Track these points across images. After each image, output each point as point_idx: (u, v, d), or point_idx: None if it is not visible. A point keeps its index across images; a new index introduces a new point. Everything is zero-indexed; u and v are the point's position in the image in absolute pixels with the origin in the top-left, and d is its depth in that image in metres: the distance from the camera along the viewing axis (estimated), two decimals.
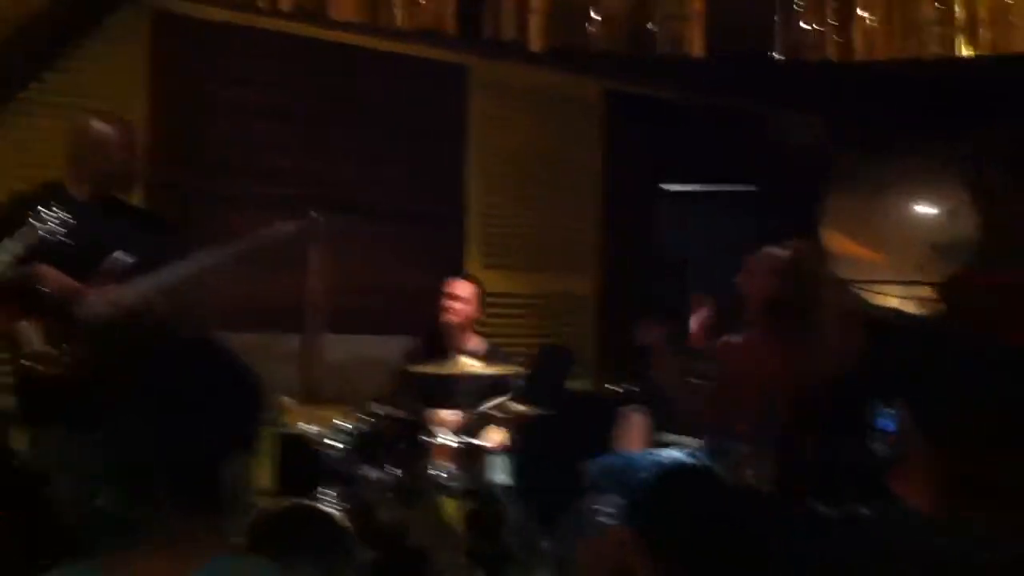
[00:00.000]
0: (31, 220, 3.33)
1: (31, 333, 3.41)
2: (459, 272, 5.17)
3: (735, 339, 3.56)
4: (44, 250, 3.38)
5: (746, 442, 3.42)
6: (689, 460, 3.53)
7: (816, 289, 3.48)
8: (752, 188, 5.30)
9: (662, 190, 5.42)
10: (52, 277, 3.43)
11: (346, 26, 4.87)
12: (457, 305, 4.87)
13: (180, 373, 1.45)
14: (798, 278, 3.46)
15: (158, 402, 1.41)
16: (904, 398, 1.70)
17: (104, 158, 3.64)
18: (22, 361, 3.40)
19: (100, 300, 3.47)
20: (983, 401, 1.64)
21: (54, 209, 3.37)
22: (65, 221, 3.36)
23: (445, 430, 4.38)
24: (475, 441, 4.37)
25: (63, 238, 3.40)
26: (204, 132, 4.98)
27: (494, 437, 4.59)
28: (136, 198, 4.16)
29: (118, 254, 3.53)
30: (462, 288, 4.91)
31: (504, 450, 4.55)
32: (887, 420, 1.67)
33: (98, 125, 3.67)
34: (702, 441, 3.71)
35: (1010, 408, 1.63)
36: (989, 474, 1.64)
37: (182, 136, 4.88)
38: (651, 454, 3.82)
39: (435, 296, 4.99)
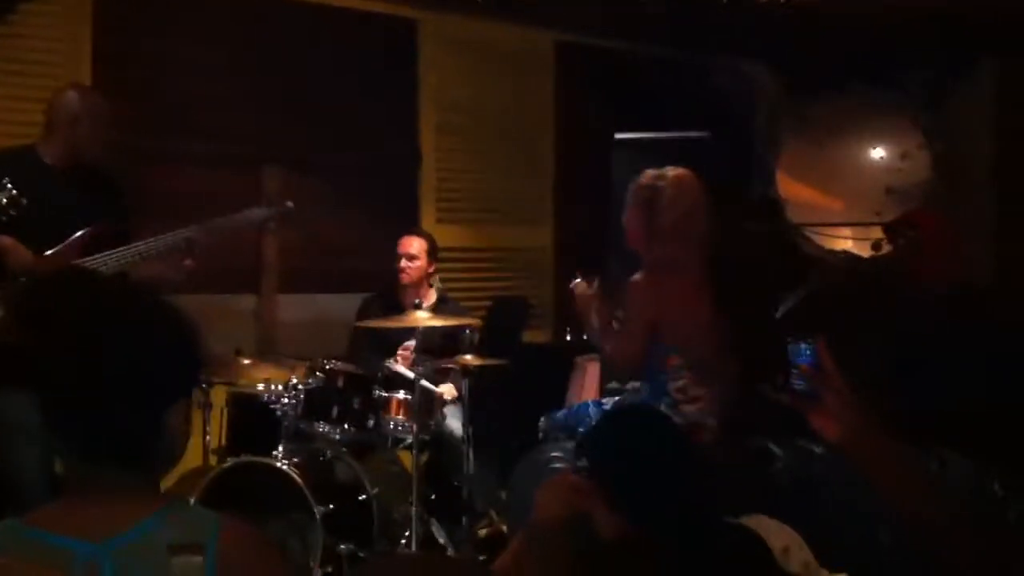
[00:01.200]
0: None
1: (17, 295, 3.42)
2: (411, 228, 5.15)
3: (637, 277, 3.50)
4: (13, 215, 3.38)
5: (673, 379, 3.44)
6: (633, 401, 3.55)
7: (691, 220, 3.45)
8: (704, 134, 5.29)
9: (616, 139, 5.40)
10: (16, 254, 3.45)
11: None
12: (411, 264, 4.85)
13: (114, 325, 1.44)
14: (664, 211, 3.42)
15: (93, 357, 1.40)
16: (825, 334, 1.71)
17: (82, 133, 3.68)
18: None
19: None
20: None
21: (7, 184, 3.36)
22: (14, 192, 3.35)
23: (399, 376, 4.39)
24: (431, 388, 4.38)
25: (32, 203, 3.40)
26: (149, 91, 4.91)
27: (449, 389, 4.60)
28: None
29: (84, 229, 3.56)
30: (414, 245, 4.89)
31: (459, 401, 4.57)
32: (805, 355, 1.67)
33: (81, 99, 3.74)
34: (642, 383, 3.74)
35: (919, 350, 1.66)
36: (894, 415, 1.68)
37: (127, 95, 4.81)
38: (601, 403, 3.84)
39: (389, 252, 4.97)
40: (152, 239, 3.66)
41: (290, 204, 3.99)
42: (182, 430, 1.51)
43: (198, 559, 1.20)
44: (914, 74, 5.89)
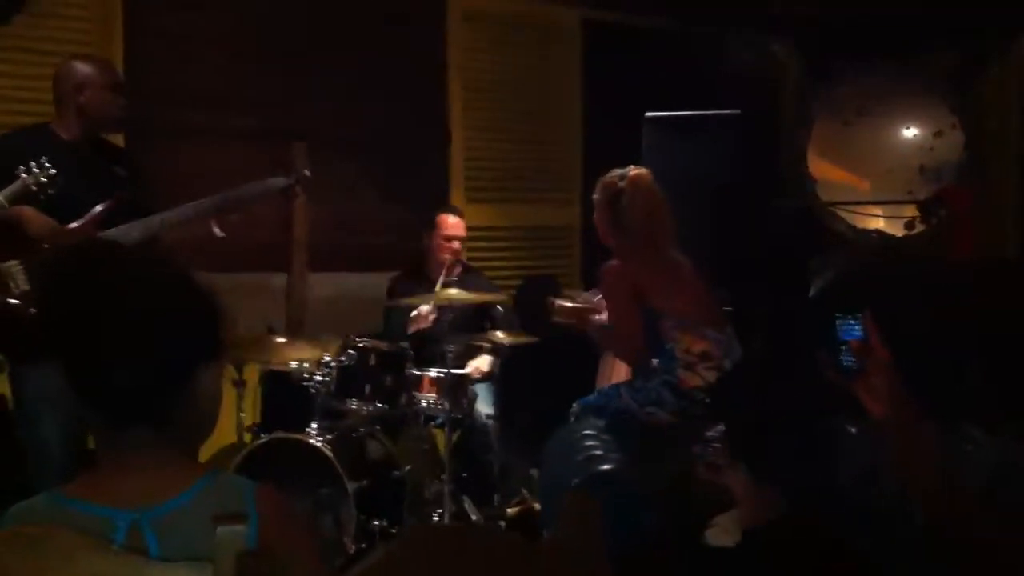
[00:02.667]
0: (18, 171, 3.38)
1: (17, 274, 3.46)
2: (445, 206, 5.14)
3: (609, 263, 3.70)
4: (51, 194, 3.42)
5: (674, 342, 3.52)
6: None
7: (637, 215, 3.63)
8: (734, 112, 5.26)
9: (645, 117, 5.38)
10: (39, 221, 3.48)
11: None
12: (455, 244, 4.84)
13: (133, 290, 1.45)
14: (626, 210, 3.64)
15: (113, 322, 1.41)
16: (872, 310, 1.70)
17: (89, 99, 3.67)
18: (8, 301, 3.44)
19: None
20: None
21: (43, 159, 3.39)
22: (51, 171, 3.39)
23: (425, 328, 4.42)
24: (460, 371, 4.40)
25: (56, 176, 3.43)
26: (179, 66, 4.94)
27: (480, 366, 4.62)
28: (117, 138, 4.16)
29: (104, 201, 3.57)
30: (457, 226, 4.89)
31: (489, 379, 4.59)
32: (853, 330, 1.66)
33: (83, 66, 3.72)
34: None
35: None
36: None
37: (157, 71, 4.84)
38: (632, 385, 3.84)
39: (418, 230, 4.98)
40: (173, 209, 3.67)
41: (307, 172, 3.98)
42: (214, 397, 1.51)
43: (242, 528, 1.22)
44: (944, 53, 5.83)
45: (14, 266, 3.45)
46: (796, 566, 1.76)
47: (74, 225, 3.54)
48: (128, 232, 3.58)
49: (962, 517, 1.55)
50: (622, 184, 3.68)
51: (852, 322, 1.66)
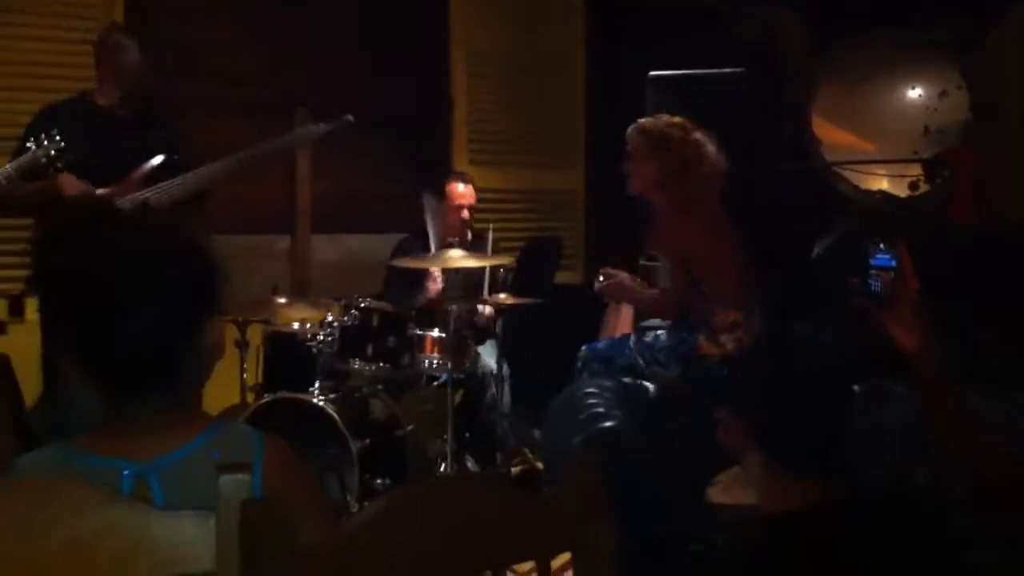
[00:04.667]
0: (28, 144, 3.41)
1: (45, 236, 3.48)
2: (454, 173, 5.12)
3: (662, 224, 3.62)
4: (60, 167, 3.46)
5: (708, 312, 3.49)
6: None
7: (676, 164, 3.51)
8: (738, 71, 5.22)
9: (649, 76, 5.34)
10: (73, 186, 3.52)
11: None
12: (465, 213, 4.83)
13: (131, 251, 1.45)
14: (674, 154, 3.51)
15: (113, 284, 1.42)
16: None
17: (123, 59, 3.75)
18: None
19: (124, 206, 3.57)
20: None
21: (56, 136, 3.41)
22: (60, 144, 3.41)
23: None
24: (464, 332, 4.41)
25: (89, 147, 3.46)
26: (179, 37, 4.92)
27: (482, 327, 4.63)
28: None
29: (144, 164, 3.65)
30: (466, 194, 4.87)
31: (493, 340, 4.60)
32: (884, 258, 1.64)
33: (114, 30, 3.82)
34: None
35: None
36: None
37: (157, 41, 4.82)
38: (643, 337, 3.83)
39: (422, 193, 4.97)
40: (205, 167, 3.71)
41: (350, 117, 3.98)
42: (215, 350, 1.53)
43: (246, 477, 1.23)
44: (948, 15, 5.78)
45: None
46: (807, 559, 1.67)
47: (110, 189, 3.58)
48: (166, 193, 3.62)
49: (992, 467, 1.53)
50: (669, 129, 3.55)
51: (883, 249, 1.64)
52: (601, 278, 3.80)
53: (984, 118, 5.70)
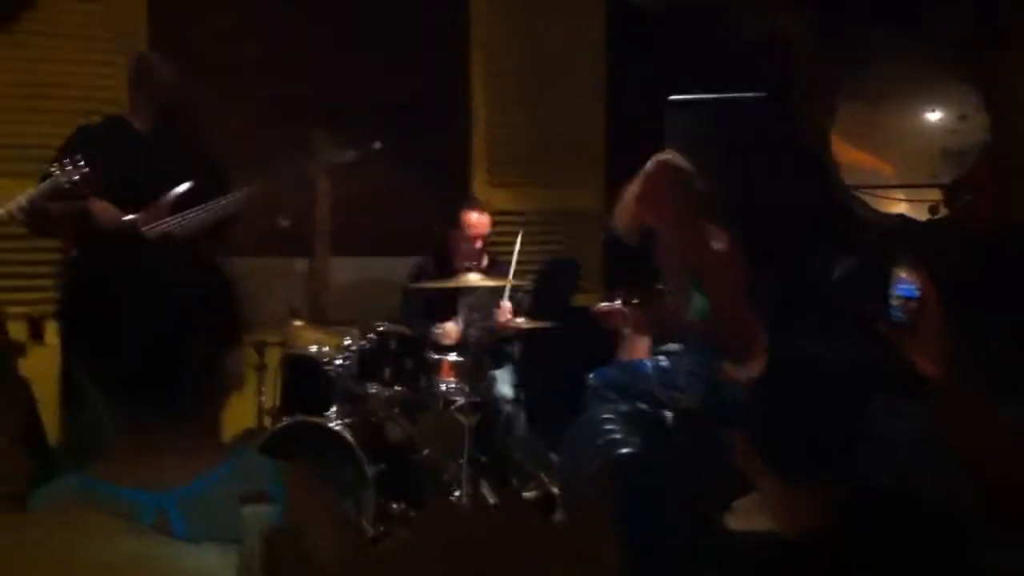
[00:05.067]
0: (51, 168, 3.45)
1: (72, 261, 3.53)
2: (468, 200, 5.13)
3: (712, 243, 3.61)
4: (108, 179, 3.53)
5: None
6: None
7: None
8: (759, 95, 5.21)
9: (668, 100, 5.34)
10: (103, 210, 3.55)
11: None
12: (478, 244, 4.81)
13: (155, 279, 1.45)
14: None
15: (136, 311, 1.42)
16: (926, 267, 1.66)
17: (162, 91, 3.74)
18: None
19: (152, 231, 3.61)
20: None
21: (80, 162, 3.45)
22: (83, 168, 3.45)
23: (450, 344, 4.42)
24: (480, 355, 4.40)
25: (123, 170, 3.48)
26: (198, 41, 4.95)
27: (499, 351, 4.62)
28: None
29: (177, 189, 3.68)
30: (480, 223, 4.86)
31: (510, 363, 4.59)
32: (907, 287, 1.63)
33: (157, 59, 3.82)
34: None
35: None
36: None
37: (175, 44, 4.86)
38: (659, 360, 3.81)
39: (440, 216, 4.98)
40: (235, 193, 3.73)
41: (378, 144, 4.00)
42: (235, 380, 1.52)
43: (268, 507, 1.22)
44: (967, 32, 5.77)
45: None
46: None
47: (139, 214, 3.61)
48: (195, 218, 3.65)
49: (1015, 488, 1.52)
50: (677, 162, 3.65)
51: (905, 278, 1.63)
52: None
53: (1006, 130, 5.66)
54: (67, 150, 3.60)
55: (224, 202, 3.72)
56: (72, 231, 3.57)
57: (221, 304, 1.47)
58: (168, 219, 3.64)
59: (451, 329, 4.61)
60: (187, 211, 3.67)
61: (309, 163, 3.89)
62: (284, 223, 3.78)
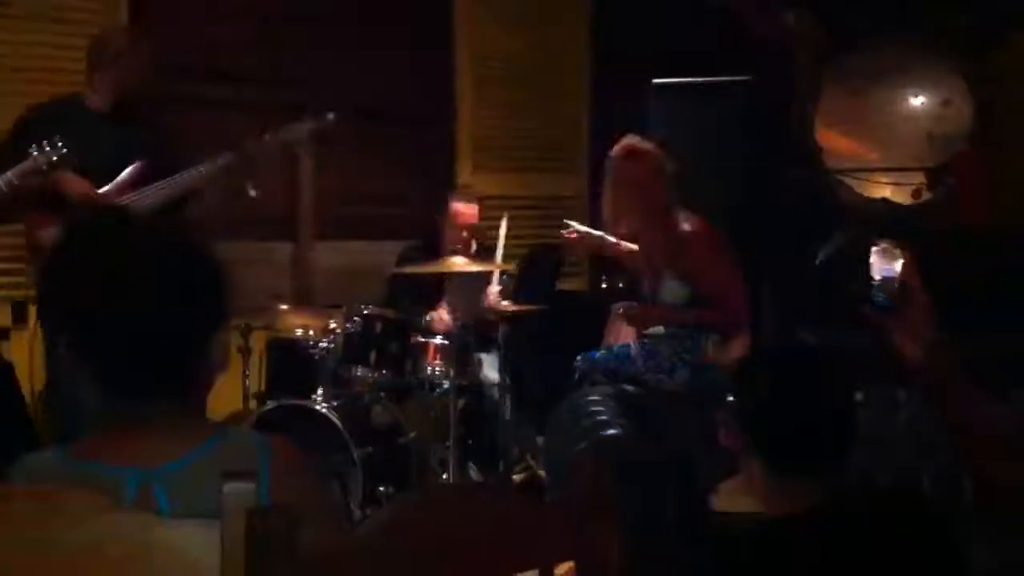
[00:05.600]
0: (30, 150, 3.43)
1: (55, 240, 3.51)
2: (450, 179, 5.12)
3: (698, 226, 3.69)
4: (42, 169, 3.46)
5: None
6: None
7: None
8: (745, 79, 5.22)
9: (653, 84, 5.33)
10: (75, 184, 3.53)
11: None
12: (465, 233, 4.80)
13: (141, 262, 1.44)
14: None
15: (121, 295, 1.41)
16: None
17: (121, 66, 3.74)
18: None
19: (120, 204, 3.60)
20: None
21: (59, 143, 3.44)
22: (62, 149, 3.43)
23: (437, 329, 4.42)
24: (466, 339, 4.41)
25: (81, 149, 3.47)
26: (185, 37, 4.93)
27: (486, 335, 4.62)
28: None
29: (136, 163, 3.66)
30: (470, 212, 4.84)
31: (496, 347, 4.59)
32: (889, 269, 1.63)
33: (115, 34, 3.78)
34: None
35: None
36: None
37: (161, 40, 4.83)
38: (645, 344, 3.83)
39: (425, 200, 4.97)
40: (195, 167, 3.70)
41: (331, 115, 3.96)
42: (220, 364, 1.52)
43: (251, 485, 1.22)
44: (958, 20, 5.78)
45: (52, 232, 3.50)
46: (809, 563, 1.65)
47: (105, 189, 3.60)
48: (156, 193, 3.63)
49: (1004, 469, 1.53)
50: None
51: (887, 262, 1.63)
52: (621, 310, 3.87)
53: (999, 120, 5.68)
54: (25, 128, 3.59)
55: (183, 177, 3.68)
56: (40, 208, 3.54)
57: (208, 281, 1.47)
58: (128, 195, 3.61)
59: (443, 316, 4.61)
60: (146, 187, 3.64)
61: (272, 140, 3.82)
62: (253, 193, 3.73)
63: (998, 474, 1.59)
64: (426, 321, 4.60)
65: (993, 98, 5.82)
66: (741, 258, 3.85)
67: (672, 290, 3.65)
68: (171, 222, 1.54)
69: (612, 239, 3.89)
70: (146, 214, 3.44)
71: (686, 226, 3.65)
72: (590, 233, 3.97)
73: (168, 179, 3.67)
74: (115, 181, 3.63)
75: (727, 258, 3.64)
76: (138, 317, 1.40)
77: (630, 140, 3.75)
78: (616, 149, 3.70)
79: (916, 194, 5.05)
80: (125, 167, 3.67)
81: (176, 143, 3.98)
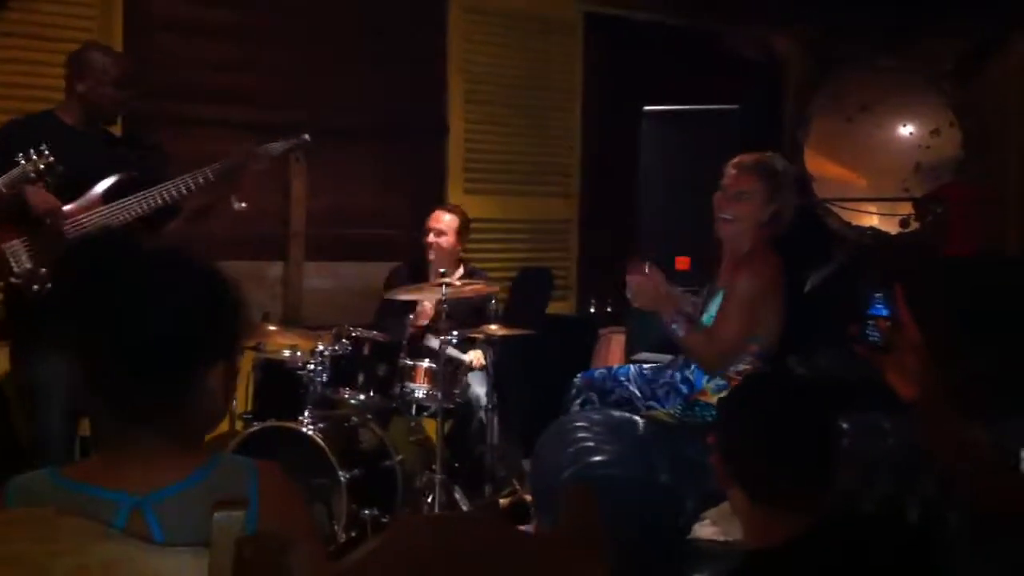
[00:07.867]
0: (17, 159, 3.41)
1: (20, 252, 3.49)
2: (441, 201, 5.13)
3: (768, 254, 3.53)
4: (31, 177, 3.45)
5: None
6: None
7: None
8: (733, 107, 5.25)
9: (643, 111, 5.36)
10: (40, 198, 3.51)
11: None
12: (438, 240, 4.82)
13: (151, 287, 1.44)
14: None
15: (130, 314, 1.41)
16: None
17: (90, 89, 3.72)
18: (11, 280, 3.47)
19: (86, 219, 3.56)
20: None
21: (43, 146, 3.44)
22: (50, 158, 3.42)
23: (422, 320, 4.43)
24: (458, 356, 4.40)
25: (55, 163, 3.46)
26: (178, 56, 4.94)
27: (477, 355, 4.61)
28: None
29: (107, 180, 3.62)
30: (443, 220, 4.86)
31: (485, 370, 4.59)
32: (881, 307, 1.63)
33: (93, 56, 3.76)
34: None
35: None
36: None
37: (150, 58, 4.83)
38: (642, 366, 3.80)
39: (416, 222, 4.98)
40: (168, 183, 3.65)
41: (307, 136, 3.93)
42: (224, 391, 1.50)
43: (240, 513, 1.22)
44: (945, 48, 5.84)
45: (16, 245, 3.49)
46: None
47: (74, 205, 3.57)
48: (127, 208, 3.59)
49: (1008, 497, 1.53)
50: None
51: (880, 298, 1.64)
52: (629, 274, 3.44)
53: (983, 148, 5.72)
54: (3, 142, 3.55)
55: (154, 193, 3.63)
56: (7, 219, 3.49)
57: (215, 307, 1.46)
58: (100, 209, 3.60)
59: (426, 308, 4.62)
60: (118, 202, 3.62)
61: (243, 158, 3.78)
62: (239, 205, 3.69)
63: (984, 500, 1.60)
64: (409, 319, 4.60)
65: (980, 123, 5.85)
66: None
67: (716, 305, 3.53)
68: (180, 246, 1.51)
69: (677, 294, 3.56)
70: (121, 229, 3.44)
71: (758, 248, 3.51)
72: (662, 281, 3.40)
73: (139, 194, 3.62)
74: (85, 196, 3.60)
75: (760, 294, 3.41)
76: (139, 341, 1.39)
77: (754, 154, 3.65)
78: (741, 157, 3.61)
79: (904, 223, 5.08)
80: (97, 182, 3.64)
81: (161, 161, 3.94)
